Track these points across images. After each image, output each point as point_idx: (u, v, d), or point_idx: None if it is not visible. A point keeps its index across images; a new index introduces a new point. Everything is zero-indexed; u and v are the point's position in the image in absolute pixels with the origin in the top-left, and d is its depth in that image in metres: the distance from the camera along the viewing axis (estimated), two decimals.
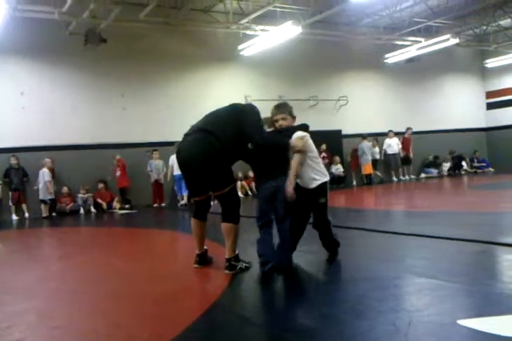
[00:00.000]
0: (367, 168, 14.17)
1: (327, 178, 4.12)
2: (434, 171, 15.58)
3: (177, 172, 10.14)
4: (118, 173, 11.08)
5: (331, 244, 4.34)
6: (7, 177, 10.24)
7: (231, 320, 2.88)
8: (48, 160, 10.22)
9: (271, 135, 4.10)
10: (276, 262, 3.82)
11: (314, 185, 4.02)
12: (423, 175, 15.49)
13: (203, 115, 4.20)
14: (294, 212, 4.03)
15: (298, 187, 3.95)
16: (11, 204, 10.24)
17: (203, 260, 4.22)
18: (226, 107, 4.19)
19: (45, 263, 5.25)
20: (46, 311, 3.29)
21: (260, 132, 3.95)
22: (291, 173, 3.86)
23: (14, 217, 10.19)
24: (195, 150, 3.86)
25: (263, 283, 3.75)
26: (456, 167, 15.71)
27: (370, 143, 14.36)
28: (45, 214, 10.16)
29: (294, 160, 3.91)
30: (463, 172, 15.64)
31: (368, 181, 14.10)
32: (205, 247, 4.27)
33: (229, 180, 3.99)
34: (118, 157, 11.04)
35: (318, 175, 4.05)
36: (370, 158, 14.16)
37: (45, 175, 10.09)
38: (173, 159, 10.24)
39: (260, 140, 3.91)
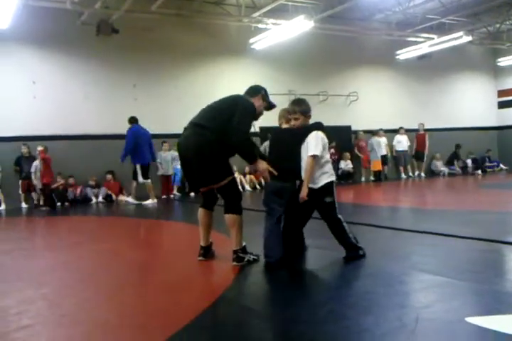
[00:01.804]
0: (376, 164, 14.13)
1: (333, 178, 4.11)
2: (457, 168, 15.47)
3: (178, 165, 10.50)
4: (38, 167, 10.03)
5: (347, 246, 4.09)
6: (18, 166, 10.33)
7: (237, 312, 2.90)
8: (38, 149, 10.01)
9: (281, 133, 4.21)
10: (281, 255, 3.89)
11: (320, 184, 4.01)
12: (446, 171, 15.35)
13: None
14: (296, 210, 4.08)
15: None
16: (20, 192, 10.32)
17: (207, 253, 4.22)
18: (223, 99, 4.17)
19: (54, 251, 5.29)
20: (55, 299, 3.32)
21: (241, 130, 3.86)
22: (305, 179, 3.89)
23: (23, 205, 10.28)
24: (191, 144, 3.91)
25: (270, 276, 3.77)
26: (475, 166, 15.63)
27: (381, 139, 14.25)
28: (36, 202, 10.30)
29: (309, 164, 3.91)
30: (478, 172, 15.49)
31: (377, 177, 14.06)
32: (211, 240, 4.27)
33: (226, 173, 3.99)
34: (40, 148, 9.90)
35: (325, 174, 4.04)
36: (379, 154, 14.11)
37: (33, 165, 10.12)
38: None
39: (235, 141, 3.84)
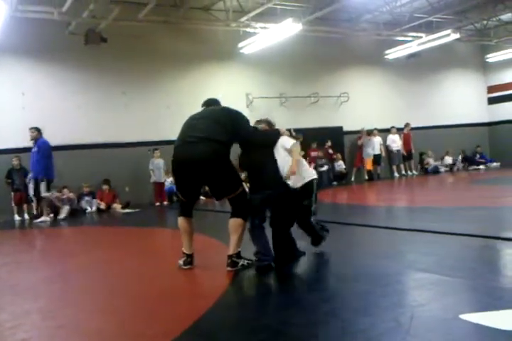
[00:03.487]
0: (368, 163, 14.17)
1: (313, 176, 4.34)
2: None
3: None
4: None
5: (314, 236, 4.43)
6: (9, 178, 10.26)
7: (234, 318, 2.90)
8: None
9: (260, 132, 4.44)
10: (272, 259, 3.98)
11: (299, 184, 4.22)
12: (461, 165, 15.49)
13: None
14: (281, 212, 4.20)
15: (288, 189, 4.17)
16: (13, 204, 10.26)
17: (192, 261, 4.21)
18: (213, 111, 4.38)
19: (50, 262, 5.27)
20: (51, 311, 3.30)
21: (251, 133, 4.31)
22: (293, 164, 4.05)
23: (17, 218, 10.21)
24: (209, 158, 3.95)
25: (264, 280, 3.77)
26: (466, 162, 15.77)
27: (376, 138, 14.30)
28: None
29: (293, 152, 4.15)
30: (470, 168, 15.61)
31: (369, 177, 14.09)
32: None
33: (239, 181, 4.19)
34: None
35: (305, 172, 4.29)
36: (371, 153, 14.15)
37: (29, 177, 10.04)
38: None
39: (250, 136, 4.26)
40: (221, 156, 4.00)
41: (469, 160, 15.92)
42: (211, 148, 3.97)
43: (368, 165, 14.19)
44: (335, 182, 13.56)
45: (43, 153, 9.22)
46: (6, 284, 4.27)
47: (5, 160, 10.16)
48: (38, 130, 9.37)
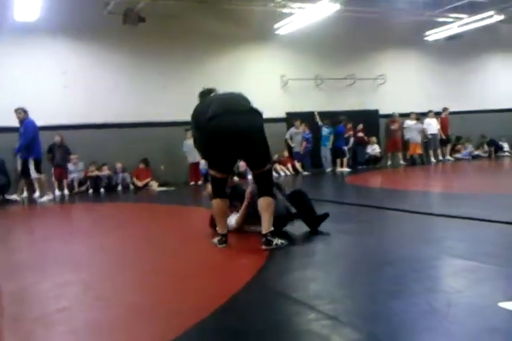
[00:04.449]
0: (414, 148, 13.91)
1: None
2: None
3: None
4: None
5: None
6: (50, 154, 10.60)
7: (269, 296, 2.93)
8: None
9: None
10: None
11: None
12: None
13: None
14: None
15: None
16: (53, 179, 10.59)
17: (227, 240, 4.27)
18: (231, 93, 4.34)
19: (88, 237, 5.43)
20: (91, 283, 3.42)
21: None
22: None
23: (57, 193, 10.56)
24: (255, 128, 3.99)
25: (299, 261, 3.79)
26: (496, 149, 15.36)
27: (419, 122, 14.05)
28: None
29: None
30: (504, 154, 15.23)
31: (413, 161, 13.83)
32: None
33: (270, 158, 4.26)
34: None
35: None
36: (418, 137, 13.89)
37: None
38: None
39: None
40: (262, 128, 4.07)
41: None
42: (256, 118, 4.04)
43: (413, 150, 13.93)
44: (369, 166, 13.44)
45: (28, 134, 9.10)
46: (48, 256, 4.44)
47: (47, 136, 10.45)
48: (24, 111, 9.26)
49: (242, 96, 4.23)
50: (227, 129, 3.89)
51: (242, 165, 9.86)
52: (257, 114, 4.06)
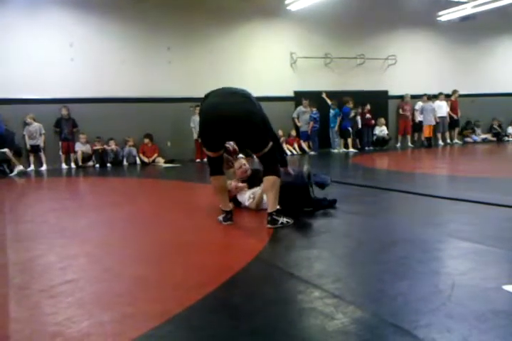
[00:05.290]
0: (428, 130, 13.79)
1: None
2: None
3: None
4: None
5: None
6: (58, 127, 10.60)
7: (273, 274, 2.95)
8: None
9: None
10: None
11: None
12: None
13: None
14: None
15: None
16: (60, 153, 10.63)
17: (232, 217, 4.29)
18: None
19: (95, 210, 5.47)
20: (98, 255, 3.46)
21: None
22: None
23: (64, 166, 10.60)
24: (246, 110, 3.92)
25: (304, 239, 3.81)
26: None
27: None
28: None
29: None
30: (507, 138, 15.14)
31: (429, 144, 13.71)
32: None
33: (268, 140, 4.10)
34: None
35: None
36: (433, 119, 13.74)
37: None
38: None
39: None
40: (255, 110, 4.00)
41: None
42: (244, 101, 3.98)
43: (429, 132, 13.79)
44: (376, 148, 13.38)
45: None
46: (55, 228, 4.48)
47: (53, 110, 10.45)
48: None
49: (244, 89, 4.21)
50: (213, 109, 3.97)
51: None
52: (250, 100, 4.03)
